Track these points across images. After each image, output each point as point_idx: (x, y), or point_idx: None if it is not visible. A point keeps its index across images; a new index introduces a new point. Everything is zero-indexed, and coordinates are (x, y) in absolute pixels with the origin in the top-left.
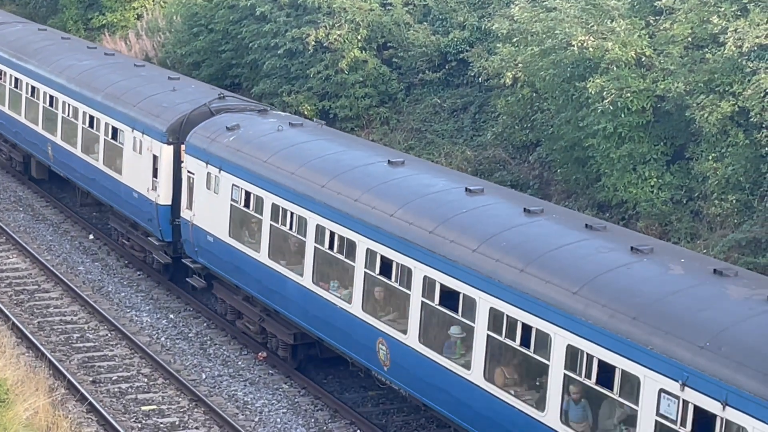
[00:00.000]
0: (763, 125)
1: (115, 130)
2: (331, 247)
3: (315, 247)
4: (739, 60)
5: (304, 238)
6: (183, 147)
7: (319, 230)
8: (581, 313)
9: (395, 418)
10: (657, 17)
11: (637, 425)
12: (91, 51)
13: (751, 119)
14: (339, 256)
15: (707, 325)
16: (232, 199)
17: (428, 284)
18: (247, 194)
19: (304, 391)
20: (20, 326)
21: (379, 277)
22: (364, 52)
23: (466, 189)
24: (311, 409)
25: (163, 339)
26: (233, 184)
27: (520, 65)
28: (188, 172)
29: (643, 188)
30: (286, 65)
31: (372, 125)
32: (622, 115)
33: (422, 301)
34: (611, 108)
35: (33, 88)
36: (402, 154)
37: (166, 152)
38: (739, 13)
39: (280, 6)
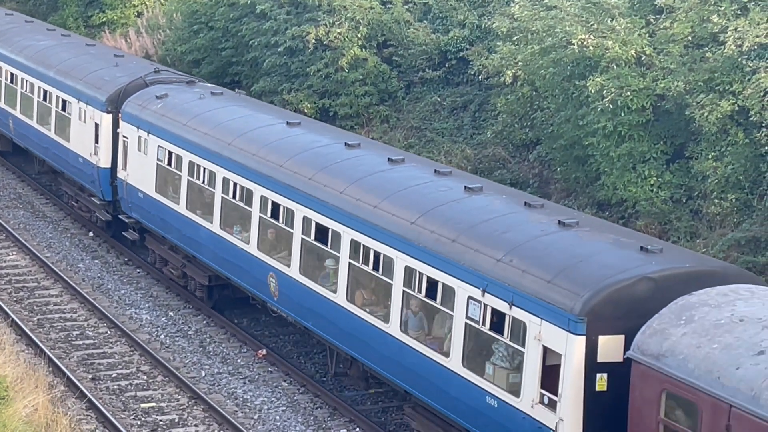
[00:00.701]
0: (763, 124)
1: (64, 103)
2: (234, 196)
3: (222, 197)
4: (739, 59)
5: (213, 190)
6: (120, 115)
7: (225, 182)
8: (416, 239)
9: (394, 416)
10: (657, 16)
11: (453, 327)
12: (50, 32)
13: (751, 118)
14: (240, 203)
15: (505, 243)
16: (158, 159)
17: (306, 223)
18: (170, 154)
19: (304, 389)
20: (20, 323)
21: (270, 219)
22: (364, 50)
23: (345, 144)
24: (310, 406)
25: (162, 336)
26: (159, 146)
27: (520, 64)
28: (123, 137)
29: (642, 187)
30: (286, 63)
31: (372, 123)
32: (622, 114)
33: (302, 238)
34: (611, 107)
35: None
36: (299, 116)
37: (106, 120)
38: (739, 12)
39: (280, 4)
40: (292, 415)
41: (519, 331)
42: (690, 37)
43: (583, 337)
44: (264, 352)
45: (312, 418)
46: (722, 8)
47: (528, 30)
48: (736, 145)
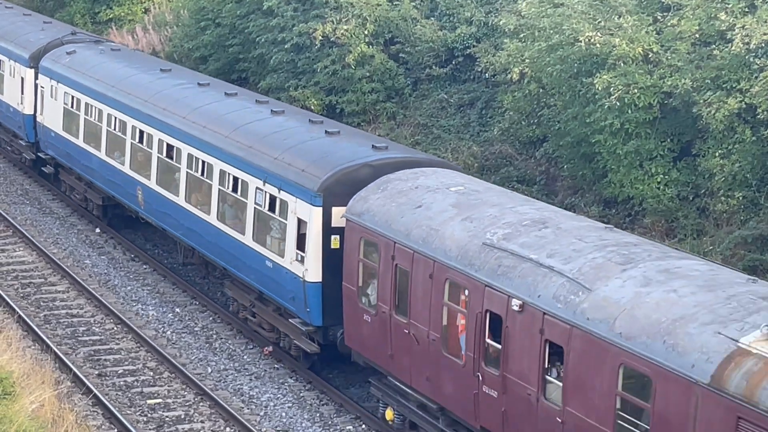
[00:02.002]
0: None
1: (0, 62)
2: (115, 128)
3: (107, 129)
4: (747, 57)
5: (101, 125)
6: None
7: (109, 118)
8: (226, 148)
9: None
10: (664, 13)
11: (247, 212)
12: (9, 10)
13: (758, 116)
14: (119, 133)
15: (281, 146)
16: (65, 103)
17: (159, 144)
18: (73, 98)
19: (310, 386)
20: (26, 319)
21: (138, 144)
22: (371, 47)
23: (198, 83)
24: (317, 403)
25: (168, 333)
26: (65, 92)
27: (527, 61)
28: (41, 87)
29: (649, 184)
30: (293, 60)
31: (378, 120)
32: (629, 112)
33: (158, 156)
34: (618, 104)
35: None
36: (173, 65)
37: (29, 74)
38: (746, 9)
39: (288, 0)
40: (298, 411)
41: (284, 209)
42: (697, 35)
43: (321, 209)
44: (270, 348)
45: (318, 414)
46: (730, 6)
47: (535, 27)
48: (743, 143)
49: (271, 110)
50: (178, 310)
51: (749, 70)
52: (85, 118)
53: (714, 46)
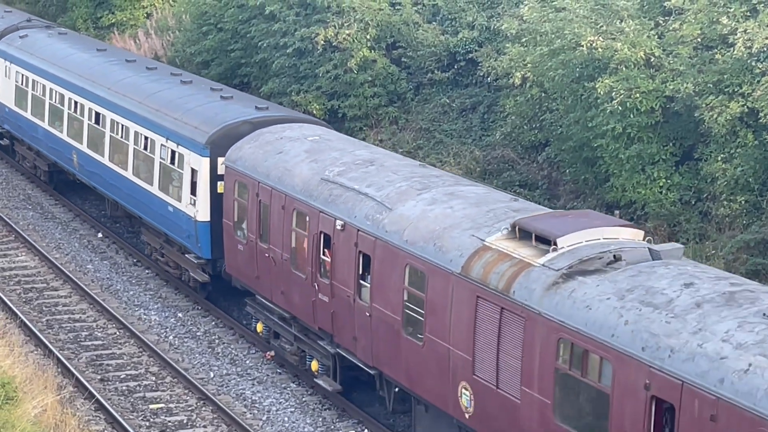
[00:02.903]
0: None
1: None
2: (55, 100)
3: (49, 102)
4: (749, 61)
5: (44, 97)
6: None
7: (51, 92)
8: (140, 113)
9: (403, 418)
10: (666, 18)
11: (154, 166)
12: None
13: (761, 120)
14: (58, 105)
15: (181, 109)
16: (16, 81)
17: (89, 112)
18: (23, 76)
19: (312, 390)
20: (29, 324)
21: (73, 113)
22: (373, 51)
23: (126, 60)
24: (319, 408)
25: (171, 337)
26: (16, 71)
27: (529, 65)
28: None
29: (651, 189)
30: (295, 64)
31: (381, 125)
32: (631, 116)
33: (88, 123)
34: (620, 108)
35: None
36: (108, 46)
37: None
38: (748, 14)
39: (290, 5)
40: (300, 416)
41: (181, 161)
42: (699, 39)
43: (208, 159)
44: (272, 353)
45: (320, 419)
46: (732, 10)
47: (537, 32)
48: (746, 147)
49: (181, 80)
50: (180, 314)
51: (751, 75)
52: (32, 94)
53: (716, 50)
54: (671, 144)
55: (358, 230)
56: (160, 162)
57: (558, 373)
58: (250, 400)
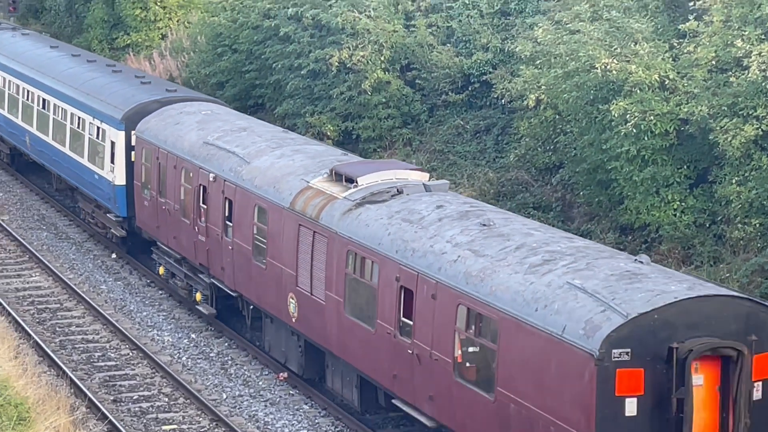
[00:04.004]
0: None
1: None
2: (12, 91)
3: (8, 93)
4: (763, 84)
5: (4, 89)
6: None
7: (9, 83)
8: (75, 98)
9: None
10: (681, 40)
11: (84, 141)
12: None
13: None
14: (15, 94)
15: (104, 91)
16: None
17: (38, 99)
18: None
19: (325, 412)
20: (42, 344)
21: (27, 101)
22: (387, 73)
23: (87, 60)
24: (332, 430)
25: (184, 358)
26: None
27: (543, 87)
28: None
29: (665, 211)
30: (309, 86)
31: (395, 146)
32: (646, 138)
33: (37, 109)
34: (634, 131)
35: None
36: (60, 43)
37: None
38: (763, 36)
39: (304, 27)
40: None
41: (104, 136)
42: (714, 62)
43: (123, 132)
44: (285, 374)
45: None
46: (746, 33)
47: (551, 54)
48: (760, 170)
49: (112, 70)
50: (193, 335)
51: (766, 97)
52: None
53: (730, 73)
54: (685, 166)
55: (225, 180)
56: (89, 137)
57: (347, 278)
58: (262, 422)
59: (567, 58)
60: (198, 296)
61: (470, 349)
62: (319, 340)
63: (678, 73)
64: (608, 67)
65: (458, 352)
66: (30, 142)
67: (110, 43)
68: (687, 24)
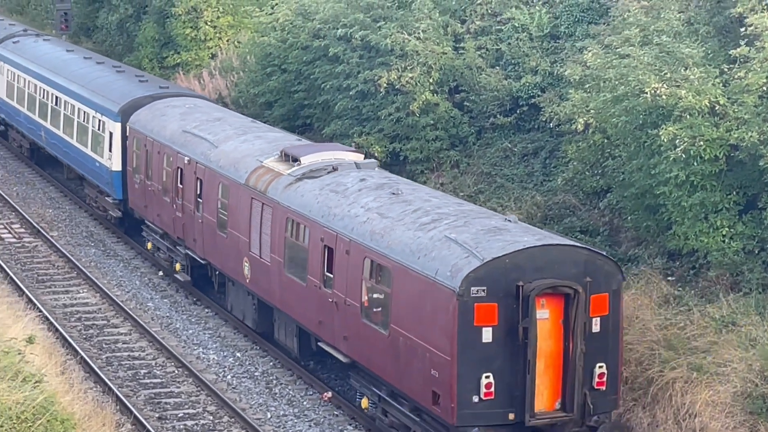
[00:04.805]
0: None
1: None
2: (31, 90)
3: (28, 92)
4: None
5: (25, 89)
6: None
7: (26, 82)
8: (82, 95)
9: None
10: (731, 66)
11: (88, 133)
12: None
13: None
14: (33, 93)
15: (107, 89)
16: (7, 77)
17: (52, 96)
18: (12, 73)
19: None
20: (89, 361)
21: (42, 99)
22: (435, 95)
23: (96, 62)
24: None
25: (229, 377)
26: (8, 69)
27: (591, 111)
28: None
29: (714, 237)
30: (357, 106)
31: (442, 168)
32: (695, 164)
33: (51, 106)
34: (684, 156)
35: None
36: (75, 47)
37: None
38: None
39: (353, 48)
40: None
41: (104, 127)
42: (765, 88)
43: (120, 124)
44: (330, 394)
45: None
46: None
47: (600, 78)
48: None
49: (116, 70)
50: (238, 354)
51: None
52: (17, 86)
53: None
54: (735, 192)
55: (197, 162)
56: (92, 129)
57: (287, 242)
58: None
59: (616, 83)
60: (177, 266)
61: (374, 295)
62: (267, 297)
63: (728, 98)
64: (658, 92)
65: (365, 298)
66: (45, 136)
67: (160, 62)
68: (738, 50)
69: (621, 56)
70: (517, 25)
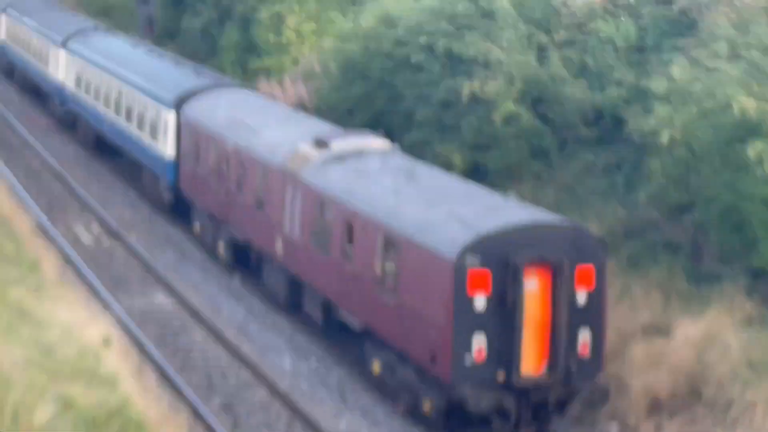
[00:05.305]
0: None
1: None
2: (95, 80)
3: (93, 83)
4: None
5: (90, 80)
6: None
7: (95, 74)
8: (143, 86)
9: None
10: None
11: (146, 122)
12: (64, 12)
13: None
14: (98, 84)
15: (163, 81)
16: (76, 70)
17: (114, 85)
18: (80, 65)
19: None
20: (163, 365)
21: (106, 90)
22: (518, 105)
23: (158, 54)
24: None
25: (304, 385)
26: (77, 62)
27: (677, 125)
28: (66, 61)
29: None
30: (439, 116)
31: (523, 179)
32: None
33: (113, 97)
34: None
35: None
36: (141, 42)
37: (62, 54)
38: None
39: (436, 56)
40: None
41: (160, 116)
42: None
43: (174, 113)
44: (405, 406)
45: None
46: None
47: (687, 92)
48: None
49: (176, 63)
50: (313, 361)
51: None
52: (84, 78)
53: None
54: None
55: (240, 148)
56: (150, 118)
57: (314, 220)
58: None
59: (703, 97)
60: (221, 247)
61: (386, 267)
62: (296, 272)
63: None
64: (746, 107)
65: (378, 270)
66: (108, 126)
67: (243, 67)
68: None
69: (708, 70)
70: (602, 36)
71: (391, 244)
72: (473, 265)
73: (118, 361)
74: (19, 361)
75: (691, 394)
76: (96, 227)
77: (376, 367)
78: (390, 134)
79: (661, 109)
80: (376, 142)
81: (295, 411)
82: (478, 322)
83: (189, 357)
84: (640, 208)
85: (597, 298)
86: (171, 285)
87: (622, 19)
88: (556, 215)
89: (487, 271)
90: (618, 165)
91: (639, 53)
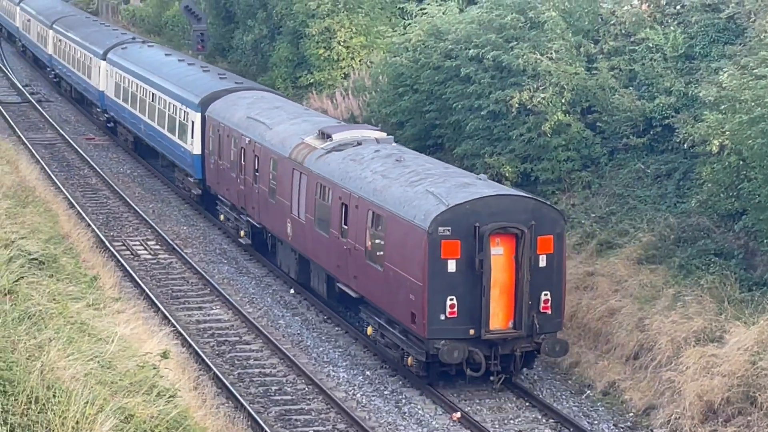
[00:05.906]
0: None
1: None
2: (132, 88)
3: (130, 91)
4: None
5: (128, 88)
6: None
7: (132, 83)
8: (172, 91)
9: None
10: None
11: (176, 123)
12: (101, 25)
13: None
14: (135, 92)
15: (189, 84)
16: (116, 79)
17: (150, 94)
18: (119, 74)
19: None
20: (221, 377)
21: (142, 97)
22: (567, 115)
23: (187, 63)
24: None
25: (359, 395)
26: (116, 72)
27: (727, 133)
28: (107, 71)
29: None
30: (488, 127)
31: (573, 189)
32: None
33: (148, 102)
34: None
35: None
36: (172, 51)
37: (103, 65)
38: None
39: (485, 68)
40: None
41: (187, 117)
42: None
43: (200, 113)
44: (459, 415)
45: None
46: None
47: (736, 99)
48: None
49: (203, 70)
50: (368, 372)
51: None
52: (122, 86)
53: None
54: None
55: (255, 142)
56: (179, 120)
57: (316, 203)
58: None
59: (753, 104)
60: (242, 233)
61: (375, 240)
62: (303, 250)
63: None
64: None
65: (368, 243)
66: (144, 129)
67: (294, 82)
68: None
69: (758, 77)
70: (651, 45)
71: (378, 219)
72: (445, 234)
73: (177, 374)
74: (79, 375)
75: (745, 400)
76: (153, 243)
77: (369, 330)
78: (441, 146)
79: (710, 117)
80: (375, 134)
81: (351, 421)
82: (450, 283)
83: (246, 369)
84: (692, 216)
85: (557, 260)
86: (227, 298)
87: (671, 27)
88: (517, 190)
89: (458, 239)
90: (668, 173)
91: (687, 61)
